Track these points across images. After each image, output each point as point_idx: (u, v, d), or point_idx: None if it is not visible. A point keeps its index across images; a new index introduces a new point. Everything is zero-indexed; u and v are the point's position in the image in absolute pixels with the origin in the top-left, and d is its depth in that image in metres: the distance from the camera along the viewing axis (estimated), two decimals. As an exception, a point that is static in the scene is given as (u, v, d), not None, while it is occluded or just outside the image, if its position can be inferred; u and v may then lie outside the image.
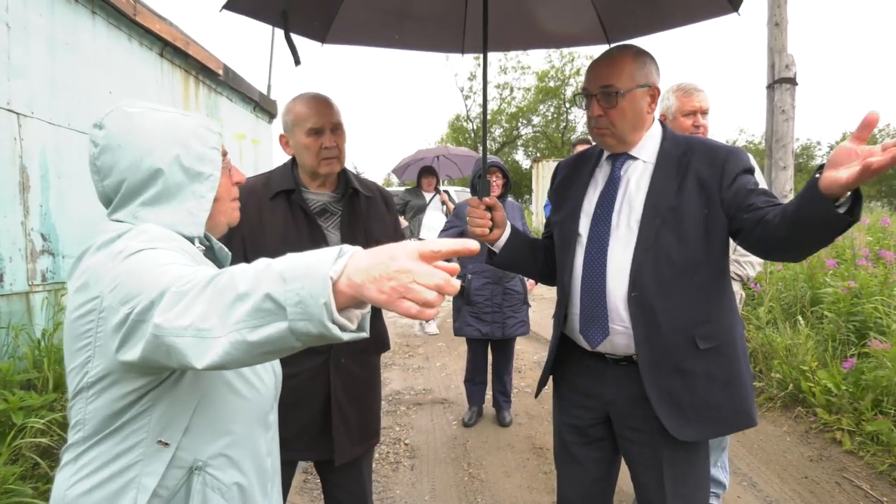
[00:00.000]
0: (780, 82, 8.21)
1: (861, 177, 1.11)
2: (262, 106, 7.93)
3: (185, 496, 1.06)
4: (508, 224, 1.86)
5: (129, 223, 1.07)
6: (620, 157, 1.70)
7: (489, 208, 1.81)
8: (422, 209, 6.91)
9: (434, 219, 6.75)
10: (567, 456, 1.81)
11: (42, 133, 3.56)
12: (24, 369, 3.02)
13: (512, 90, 32.79)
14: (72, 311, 1.01)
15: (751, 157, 1.71)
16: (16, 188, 3.34)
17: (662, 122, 1.74)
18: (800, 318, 4.55)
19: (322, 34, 2.31)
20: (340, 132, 1.90)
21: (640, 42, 1.76)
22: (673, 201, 1.57)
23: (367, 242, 1.84)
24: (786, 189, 8.35)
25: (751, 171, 1.58)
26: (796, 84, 8.26)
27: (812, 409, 3.88)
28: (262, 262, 0.80)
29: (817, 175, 1.23)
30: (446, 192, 7.35)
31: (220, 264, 1.25)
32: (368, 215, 1.95)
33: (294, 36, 2.04)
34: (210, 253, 1.25)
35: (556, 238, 1.81)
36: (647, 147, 1.67)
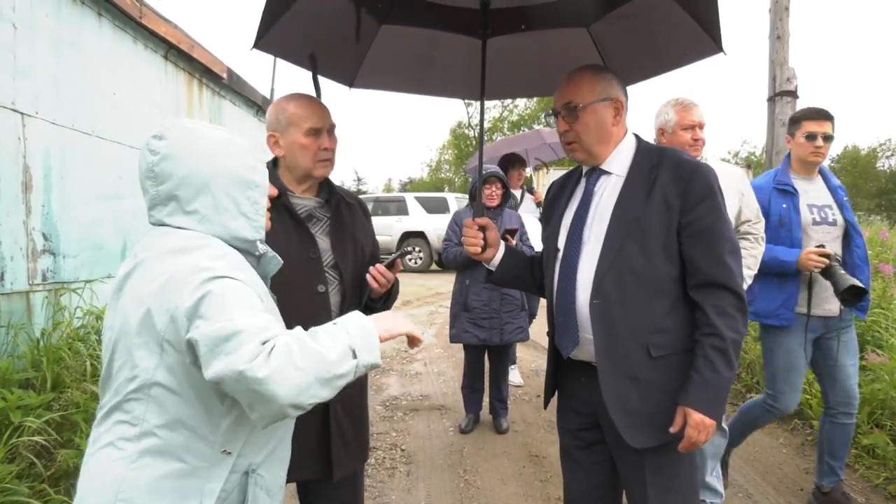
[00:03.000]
0: (781, 95, 8.22)
1: None
2: (266, 110, 7.95)
3: (240, 496, 1.18)
4: (502, 244, 1.96)
5: (191, 227, 1.17)
6: (595, 173, 1.75)
7: (482, 228, 1.92)
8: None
9: (529, 224, 4.35)
10: (569, 459, 1.86)
11: (46, 133, 3.58)
12: (23, 368, 3.03)
13: (514, 98, 32.92)
14: (142, 303, 1.10)
15: (724, 169, 1.70)
16: (19, 187, 3.35)
17: (637, 136, 1.78)
18: (798, 330, 4.54)
19: (350, 78, 2.43)
20: (334, 135, 1.90)
21: (639, 86, 1.84)
22: (638, 212, 1.61)
23: (355, 249, 1.92)
24: (785, 201, 8.37)
25: (714, 192, 1.61)
26: (797, 97, 8.27)
27: (809, 422, 3.88)
28: (318, 332, 1.12)
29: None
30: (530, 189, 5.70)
31: (266, 273, 1.33)
32: (353, 224, 1.96)
33: (323, 78, 2.14)
34: (250, 258, 1.30)
35: (543, 254, 1.89)
36: (619, 161, 1.72)
